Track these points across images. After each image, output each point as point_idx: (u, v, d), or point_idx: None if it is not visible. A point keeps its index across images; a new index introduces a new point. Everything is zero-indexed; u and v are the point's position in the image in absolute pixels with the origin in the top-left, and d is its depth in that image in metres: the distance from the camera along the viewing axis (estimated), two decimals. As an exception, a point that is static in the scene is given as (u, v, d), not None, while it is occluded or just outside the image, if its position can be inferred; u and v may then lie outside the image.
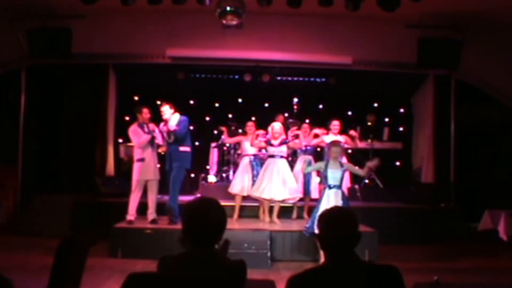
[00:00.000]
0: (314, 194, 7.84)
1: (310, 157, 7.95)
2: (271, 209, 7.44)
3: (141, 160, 6.96)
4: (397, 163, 10.64)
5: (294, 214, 8.01)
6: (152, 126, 7.13)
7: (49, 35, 8.08)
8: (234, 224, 7.18)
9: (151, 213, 7.04)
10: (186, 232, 2.13)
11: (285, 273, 5.66)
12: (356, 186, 9.01)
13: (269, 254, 6.29)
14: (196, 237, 2.11)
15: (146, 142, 6.96)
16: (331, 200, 5.92)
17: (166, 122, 7.01)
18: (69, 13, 8.02)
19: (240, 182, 7.77)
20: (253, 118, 9.42)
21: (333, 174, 6.01)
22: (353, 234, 2.13)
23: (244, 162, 7.96)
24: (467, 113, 9.44)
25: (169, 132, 6.95)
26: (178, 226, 6.19)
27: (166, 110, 6.99)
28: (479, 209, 7.87)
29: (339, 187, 6.05)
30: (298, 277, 2.03)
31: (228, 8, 7.11)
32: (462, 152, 9.39)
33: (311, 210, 7.77)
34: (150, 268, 2.12)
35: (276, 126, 7.43)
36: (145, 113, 7.05)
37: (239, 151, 8.89)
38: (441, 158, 9.38)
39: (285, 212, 8.07)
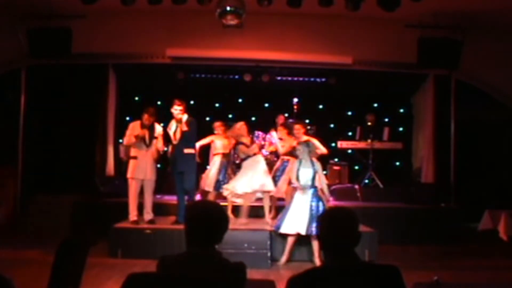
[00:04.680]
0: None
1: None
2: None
3: (134, 158, 6.98)
4: (397, 163, 10.64)
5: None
6: (159, 127, 7.11)
7: (49, 35, 8.08)
8: (234, 224, 7.15)
9: (148, 213, 7.05)
10: (187, 232, 2.16)
11: (285, 273, 5.69)
12: (356, 186, 8.99)
13: (269, 254, 6.29)
14: (197, 238, 2.13)
15: (132, 143, 6.98)
16: (300, 199, 6.16)
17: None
18: (69, 13, 8.02)
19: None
20: (253, 118, 9.43)
21: (304, 174, 6.18)
22: (353, 234, 2.13)
23: (215, 161, 7.87)
24: (467, 113, 9.44)
25: (175, 132, 6.91)
26: (178, 226, 6.23)
27: (176, 110, 6.89)
28: (479, 209, 7.87)
29: (311, 186, 6.18)
30: (298, 277, 2.03)
31: (228, 8, 7.10)
32: (462, 152, 9.38)
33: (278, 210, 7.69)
34: (150, 268, 2.12)
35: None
36: (151, 113, 7.01)
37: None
38: (441, 158, 9.37)
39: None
